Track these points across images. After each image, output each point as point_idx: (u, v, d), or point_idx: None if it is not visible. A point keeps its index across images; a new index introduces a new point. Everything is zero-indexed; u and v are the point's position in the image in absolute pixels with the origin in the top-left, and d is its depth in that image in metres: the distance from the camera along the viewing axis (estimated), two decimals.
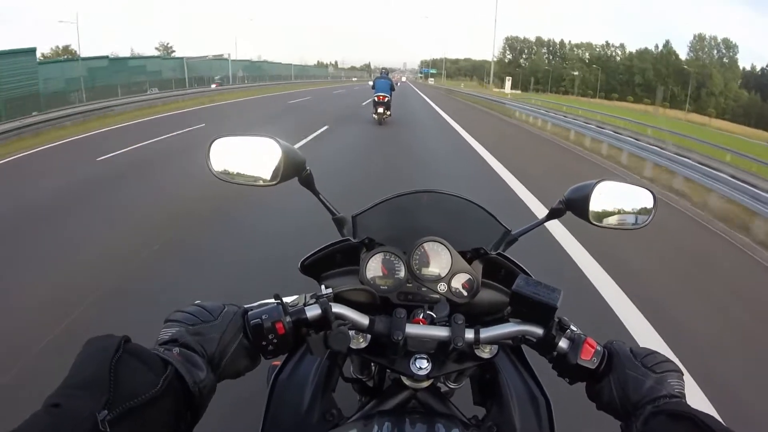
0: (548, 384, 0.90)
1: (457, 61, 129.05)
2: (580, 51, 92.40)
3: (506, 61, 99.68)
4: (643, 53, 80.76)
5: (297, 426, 0.84)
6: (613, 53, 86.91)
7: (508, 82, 40.72)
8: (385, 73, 13.05)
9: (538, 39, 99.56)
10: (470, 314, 0.87)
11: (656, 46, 79.58)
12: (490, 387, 0.94)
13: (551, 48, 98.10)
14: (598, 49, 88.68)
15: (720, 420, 0.54)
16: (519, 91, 59.03)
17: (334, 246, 0.90)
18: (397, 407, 0.84)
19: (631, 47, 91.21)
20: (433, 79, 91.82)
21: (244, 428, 1.79)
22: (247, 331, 0.67)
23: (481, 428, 0.86)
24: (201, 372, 0.59)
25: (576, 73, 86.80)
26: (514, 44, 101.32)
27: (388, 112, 12.47)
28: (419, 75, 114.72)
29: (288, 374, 0.91)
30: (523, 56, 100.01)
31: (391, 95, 12.34)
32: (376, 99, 12.25)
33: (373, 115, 12.53)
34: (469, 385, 1.03)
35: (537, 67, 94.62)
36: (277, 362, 0.92)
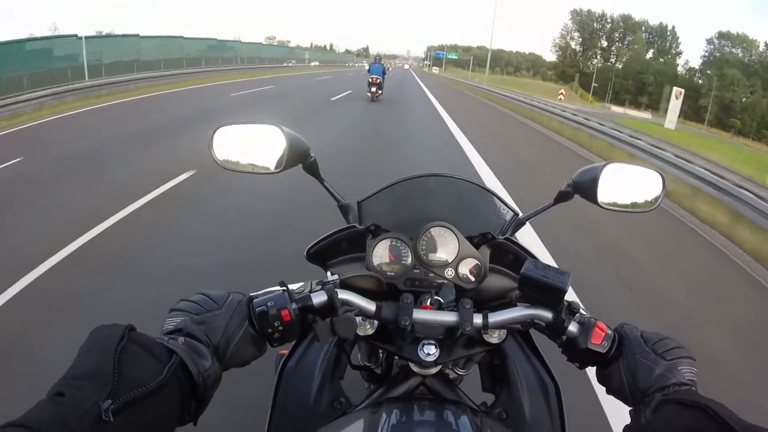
0: (557, 370, 0.90)
1: (469, 48, 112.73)
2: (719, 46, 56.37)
3: (569, 52, 68.65)
4: None
5: (305, 414, 0.84)
6: None
7: (564, 95, 29.17)
8: (379, 59, 14.93)
9: (627, 19, 63.76)
10: (478, 299, 0.87)
11: None
12: (498, 373, 0.93)
13: (656, 36, 62.25)
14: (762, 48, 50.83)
15: (731, 410, 0.52)
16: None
17: (340, 233, 0.89)
18: (405, 394, 0.83)
19: None
20: (437, 69, 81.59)
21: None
22: (253, 319, 0.66)
23: (490, 414, 0.85)
24: (206, 361, 0.58)
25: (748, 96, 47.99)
26: (586, 23, 67.09)
27: (380, 92, 14.47)
28: (425, 63, 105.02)
29: (296, 362, 0.91)
30: (600, 46, 65.15)
31: (383, 78, 14.38)
32: (370, 80, 14.25)
33: (368, 93, 14.56)
34: (478, 371, 1.03)
35: (633, 68, 59.70)
36: (285, 351, 0.92)
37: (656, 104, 46.65)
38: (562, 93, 35.31)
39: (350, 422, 0.73)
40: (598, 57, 67.93)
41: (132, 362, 0.50)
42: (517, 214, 0.98)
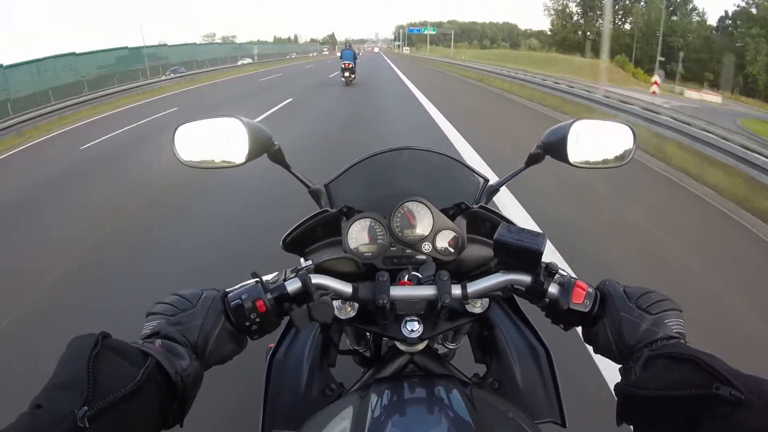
0: (546, 333, 0.90)
1: (440, 23, 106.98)
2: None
3: (567, 15, 56.21)
4: None
5: (297, 404, 0.84)
6: None
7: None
8: (349, 45, 15.73)
9: None
10: (459, 271, 0.86)
11: None
12: (488, 343, 0.93)
13: None
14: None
15: (721, 359, 0.51)
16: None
17: (313, 219, 0.88)
18: (394, 373, 0.83)
19: None
20: (408, 49, 77.09)
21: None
22: (229, 314, 0.66)
23: (482, 385, 0.86)
24: (183, 361, 0.58)
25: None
26: None
27: (353, 76, 15.31)
28: (396, 44, 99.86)
29: (284, 354, 0.90)
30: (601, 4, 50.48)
31: (354, 63, 15.25)
32: (343, 66, 15.04)
33: (341, 78, 15.37)
34: (469, 344, 1.03)
35: (652, 28, 44.24)
36: (273, 344, 0.92)
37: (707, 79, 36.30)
38: (656, 82, 23.26)
39: (341, 407, 0.72)
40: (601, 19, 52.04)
41: (107, 368, 0.50)
42: (487, 181, 0.97)
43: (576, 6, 57.27)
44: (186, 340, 0.61)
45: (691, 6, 47.61)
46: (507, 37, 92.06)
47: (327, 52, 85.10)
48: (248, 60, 37.62)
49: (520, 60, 36.68)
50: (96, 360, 0.49)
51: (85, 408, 0.45)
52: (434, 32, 66.92)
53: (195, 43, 36.61)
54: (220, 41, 71.56)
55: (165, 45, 30.91)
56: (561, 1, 58.41)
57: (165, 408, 0.55)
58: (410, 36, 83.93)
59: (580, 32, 55.58)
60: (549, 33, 58.45)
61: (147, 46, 26.24)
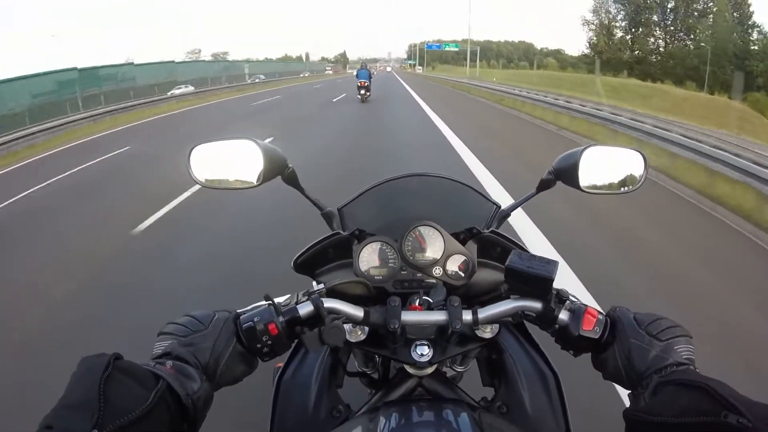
0: (555, 358, 0.89)
1: (454, 42, 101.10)
2: None
3: (607, 37, 44.83)
4: None
5: (304, 425, 0.84)
6: None
7: None
8: (364, 65, 17.18)
9: None
10: (469, 295, 0.87)
11: None
12: (497, 367, 0.93)
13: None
14: None
15: (731, 387, 0.51)
16: None
17: (325, 241, 0.89)
18: (403, 396, 0.83)
19: None
20: (421, 68, 73.80)
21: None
22: (241, 336, 0.66)
23: (490, 409, 0.85)
24: (194, 383, 0.59)
25: None
26: None
27: (368, 93, 16.59)
28: (408, 63, 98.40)
29: (292, 374, 0.90)
30: (652, 21, 41.69)
31: (370, 81, 16.63)
32: (359, 84, 16.44)
33: (357, 96, 16.63)
34: (477, 367, 1.02)
35: (724, 48, 34.01)
36: (281, 363, 0.92)
37: None
38: None
39: (349, 429, 0.72)
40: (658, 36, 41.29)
41: (118, 390, 0.50)
42: (499, 207, 0.97)
43: (623, 21, 44.72)
44: (197, 362, 0.62)
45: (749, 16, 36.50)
46: (523, 56, 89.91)
47: (331, 72, 79.32)
48: (190, 88, 26.09)
49: (570, 84, 25.25)
50: (107, 382, 0.49)
51: (96, 431, 0.45)
52: (457, 48, 59.58)
53: (173, 61, 29.13)
54: (209, 58, 60.91)
55: (131, 64, 24.37)
56: (604, 14, 45.84)
57: (175, 430, 0.55)
58: (428, 52, 78.75)
59: (629, 51, 43.85)
60: (586, 52, 47.72)
61: (103, 66, 20.18)
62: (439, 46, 57.70)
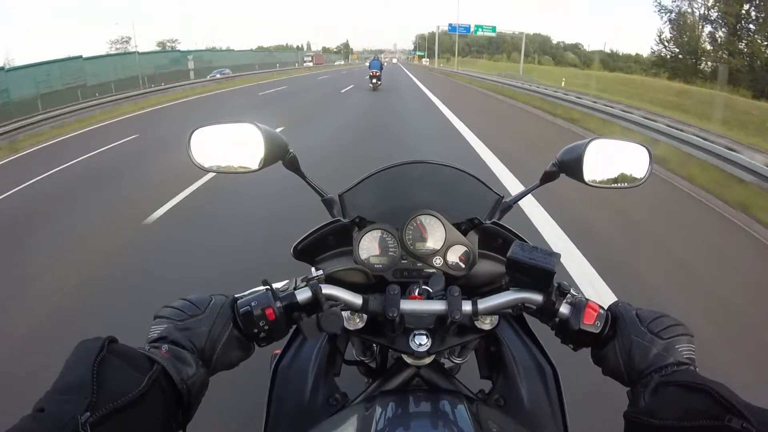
0: (554, 352, 0.88)
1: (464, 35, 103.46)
2: None
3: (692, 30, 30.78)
4: None
5: (300, 412, 0.84)
6: None
7: None
8: (376, 56, 20.06)
9: None
10: (469, 286, 0.86)
11: None
12: (495, 359, 0.92)
13: None
14: None
15: (732, 390, 0.50)
16: None
17: (325, 228, 0.88)
18: (400, 386, 0.83)
19: None
20: (427, 60, 69.34)
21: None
22: (238, 321, 0.66)
23: (487, 401, 0.85)
24: (189, 368, 0.58)
25: None
26: None
27: (379, 82, 18.95)
28: (417, 54, 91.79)
29: (289, 361, 0.90)
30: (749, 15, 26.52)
31: (381, 71, 18.99)
32: (371, 74, 18.86)
33: (369, 84, 18.90)
34: (475, 359, 1.02)
35: None
36: (279, 350, 0.92)
37: None
38: None
39: (345, 418, 0.72)
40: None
41: (112, 374, 0.50)
42: (502, 197, 0.96)
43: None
44: (193, 346, 0.61)
45: None
46: (539, 49, 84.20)
47: (311, 63, 63.40)
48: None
49: (695, 103, 15.21)
50: (101, 365, 0.49)
51: (88, 414, 0.45)
52: (494, 33, 43.34)
53: (81, 57, 19.11)
54: (150, 49, 40.50)
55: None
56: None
57: (169, 414, 0.55)
58: (450, 36, 61.08)
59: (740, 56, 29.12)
60: (665, 53, 34.07)
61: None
62: (467, 29, 40.04)
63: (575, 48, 75.92)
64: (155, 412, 0.53)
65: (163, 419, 0.54)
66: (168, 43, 60.65)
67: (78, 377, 0.48)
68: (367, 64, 20.74)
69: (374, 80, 18.95)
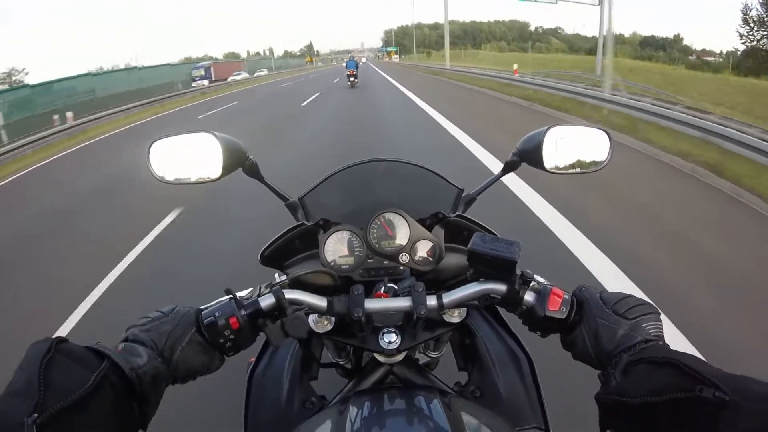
0: (529, 341, 0.89)
1: (436, 26, 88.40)
2: None
3: None
4: None
5: (277, 419, 0.83)
6: None
7: None
8: (352, 57, 22.60)
9: None
10: (438, 280, 0.86)
11: None
12: (469, 351, 0.93)
13: None
14: None
15: (702, 358, 0.50)
16: None
17: (291, 232, 0.88)
18: (374, 385, 0.83)
19: None
20: (398, 57, 68.75)
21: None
22: (203, 332, 0.65)
23: (463, 393, 0.85)
24: (139, 359, 0.58)
25: None
26: None
27: (356, 80, 20.84)
28: (386, 50, 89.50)
29: (263, 369, 0.90)
30: None
31: (357, 69, 21.11)
32: (348, 73, 20.91)
33: (347, 82, 20.84)
34: (452, 352, 1.02)
35: None
36: (254, 358, 0.91)
37: None
38: None
39: (320, 421, 0.71)
40: None
41: (59, 373, 0.49)
42: (462, 190, 0.97)
43: None
44: (153, 344, 0.62)
45: None
46: (518, 36, 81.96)
47: (205, 82, 34.11)
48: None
49: None
50: (48, 365, 0.49)
51: (35, 415, 0.44)
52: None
53: None
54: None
55: None
56: None
57: (124, 411, 0.55)
58: (422, 30, 61.70)
59: None
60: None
61: None
62: None
63: (556, 32, 74.51)
64: (106, 409, 0.52)
65: (119, 416, 0.53)
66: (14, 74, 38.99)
67: (25, 379, 0.48)
68: (344, 64, 24.58)
69: (351, 78, 20.96)
